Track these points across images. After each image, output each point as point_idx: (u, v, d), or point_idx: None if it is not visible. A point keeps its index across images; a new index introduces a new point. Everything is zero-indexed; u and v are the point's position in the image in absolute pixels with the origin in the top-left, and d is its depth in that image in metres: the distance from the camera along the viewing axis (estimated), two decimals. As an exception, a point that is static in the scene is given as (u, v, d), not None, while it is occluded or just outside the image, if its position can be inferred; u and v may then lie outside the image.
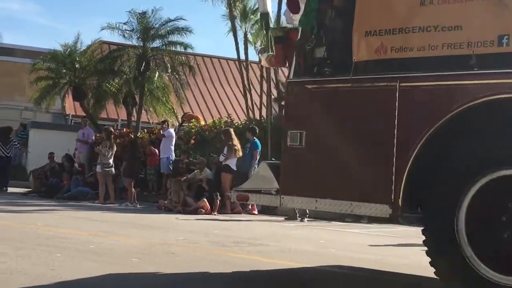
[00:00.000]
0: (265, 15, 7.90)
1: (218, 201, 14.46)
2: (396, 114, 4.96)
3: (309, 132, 5.49)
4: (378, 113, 5.15)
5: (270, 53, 6.93)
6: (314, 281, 6.28)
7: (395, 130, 4.96)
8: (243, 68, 25.38)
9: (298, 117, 5.67)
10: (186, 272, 6.26)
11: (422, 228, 5.02)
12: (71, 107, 29.12)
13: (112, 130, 17.66)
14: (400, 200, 4.89)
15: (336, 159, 5.34)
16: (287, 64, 6.38)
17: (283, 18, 7.61)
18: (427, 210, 4.94)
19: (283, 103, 24.23)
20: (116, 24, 23.21)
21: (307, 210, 13.16)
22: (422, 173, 4.87)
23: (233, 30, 25.08)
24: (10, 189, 19.01)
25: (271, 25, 8.95)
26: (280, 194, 5.66)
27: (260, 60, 16.46)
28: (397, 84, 5.00)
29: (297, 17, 6.18)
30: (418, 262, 7.79)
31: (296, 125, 5.61)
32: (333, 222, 13.37)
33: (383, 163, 5.00)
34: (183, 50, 23.53)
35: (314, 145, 5.47)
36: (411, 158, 4.83)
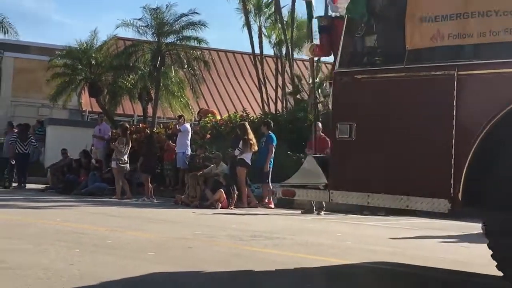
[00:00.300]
0: (308, 4, 7.73)
1: (235, 195, 14.47)
2: (455, 104, 4.74)
3: (359, 124, 5.28)
4: (434, 103, 4.92)
5: (313, 43, 6.74)
6: (350, 277, 6.28)
7: (454, 121, 4.74)
8: (258, 62, 25.37)
9: (348, 109, 5.47)
10: (204, 267, 6.26)
11: (483, 224, 4.81)
12: (88, 103, 29.28)
13: (128, 126, 17.72)
14: (460, 195, 4.67)
15: (389, 152, 5.13)
16: (331, 54, 6.17)
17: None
18: (490, 205, 4.66)
19: (298, 96, 24.23)
20: (130, 21, 23.30)
21: (323, 203, 13.15)
22: (483, 166, 4.64)
23: (247, 24, 25.05)
24: (28, 186, 19.16)
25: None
26: (329, 189, 5.45)
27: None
28: (455, 72, 4.78)
29: (342, 5, 5.94)
30: (437, 255, 7.77)
31: (346, 117, 5.40)
32: (350, 215, 13.33)
33: (441, 156, 4.77)
34: (198, 45, 23.54)
35: (365, 138, 5.26)
36: (472, 151, 4.61)
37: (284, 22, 24.67)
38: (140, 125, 22.43)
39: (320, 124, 14.82)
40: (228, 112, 25.74)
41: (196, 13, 23.16)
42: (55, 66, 24.63)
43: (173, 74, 23.78)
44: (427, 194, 4.86)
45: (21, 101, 30.49)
